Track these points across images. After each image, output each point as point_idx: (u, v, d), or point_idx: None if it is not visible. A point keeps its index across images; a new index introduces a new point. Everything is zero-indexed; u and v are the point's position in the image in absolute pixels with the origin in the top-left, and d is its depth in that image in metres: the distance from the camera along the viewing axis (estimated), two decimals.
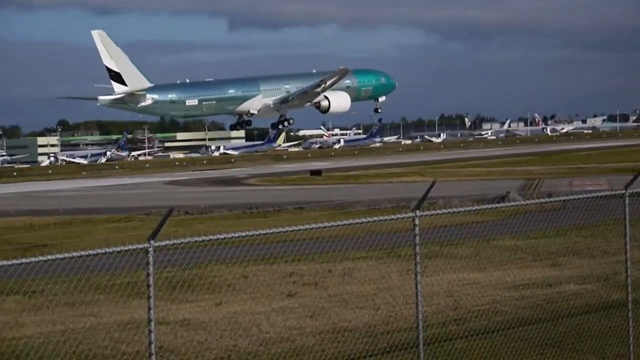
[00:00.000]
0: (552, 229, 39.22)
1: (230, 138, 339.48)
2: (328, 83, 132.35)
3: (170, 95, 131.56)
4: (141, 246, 18.37)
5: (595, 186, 76.34)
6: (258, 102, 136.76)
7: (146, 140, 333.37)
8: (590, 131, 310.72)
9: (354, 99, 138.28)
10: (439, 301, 28.47)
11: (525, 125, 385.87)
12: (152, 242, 18.77)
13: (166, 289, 30.35)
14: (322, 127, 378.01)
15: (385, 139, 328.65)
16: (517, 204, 29.58)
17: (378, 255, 35.74)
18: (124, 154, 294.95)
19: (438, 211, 19.90)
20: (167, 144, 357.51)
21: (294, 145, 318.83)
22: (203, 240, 19.35)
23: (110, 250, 18.32)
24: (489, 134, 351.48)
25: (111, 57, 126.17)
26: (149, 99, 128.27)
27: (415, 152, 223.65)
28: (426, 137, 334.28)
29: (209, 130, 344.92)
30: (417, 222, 18.49)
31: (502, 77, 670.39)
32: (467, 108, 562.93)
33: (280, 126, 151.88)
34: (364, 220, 19.68)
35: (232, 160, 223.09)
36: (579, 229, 37.41)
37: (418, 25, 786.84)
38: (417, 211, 18.45)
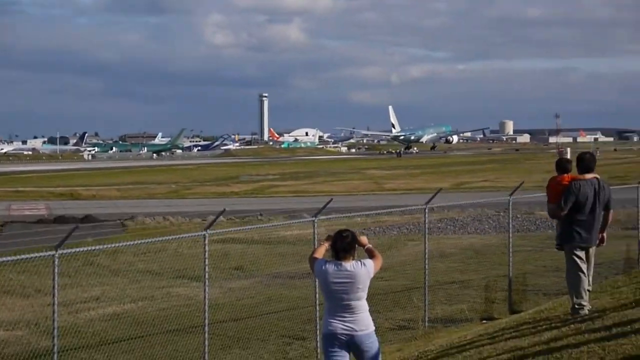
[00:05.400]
0: None
1: None
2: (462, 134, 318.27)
3: (410, 135, 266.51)
4: None
5: (33, 210, 75.98)
6: (426, 137, 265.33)
7: None
8: (30, 152, 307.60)
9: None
10: None
11: None
12: None
13: None
14: None
15: None
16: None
17: None
18: None
19: None
20: None
21: None
22: None
23: None
24: None
25: (393, 117, 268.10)
26: (402, 135, 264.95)
27: None
28: None
29: None
30: None
31: None
32: None
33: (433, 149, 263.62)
34: None
35: None
36: (13, 264, 34.83)
37: None
38: None
